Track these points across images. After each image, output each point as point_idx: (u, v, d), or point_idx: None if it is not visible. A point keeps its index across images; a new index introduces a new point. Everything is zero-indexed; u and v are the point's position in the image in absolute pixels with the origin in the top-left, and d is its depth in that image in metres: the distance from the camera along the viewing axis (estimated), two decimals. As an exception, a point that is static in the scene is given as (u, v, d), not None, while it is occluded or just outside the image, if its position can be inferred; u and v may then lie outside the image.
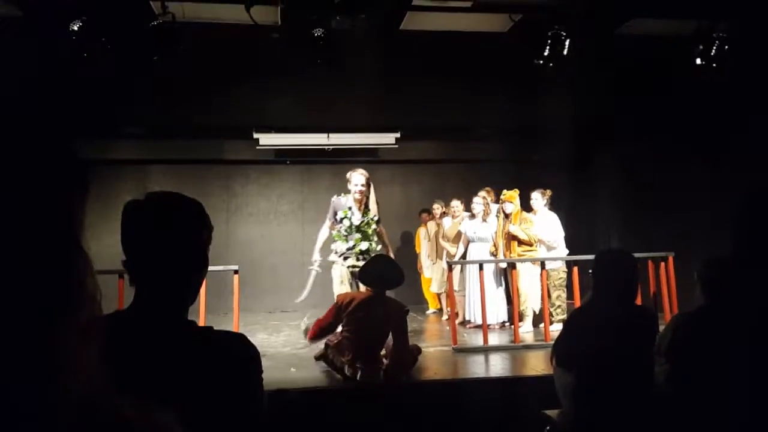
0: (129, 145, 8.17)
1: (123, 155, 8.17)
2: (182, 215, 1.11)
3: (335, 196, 5.26)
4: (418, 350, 4.42)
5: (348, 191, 5.15)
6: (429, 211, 7.80)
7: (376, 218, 5.17)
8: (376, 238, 5.17)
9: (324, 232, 5.27)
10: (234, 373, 1.04)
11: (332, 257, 5.15)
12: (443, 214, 7.35)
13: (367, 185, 5.12)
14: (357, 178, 5.08)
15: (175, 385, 0.97)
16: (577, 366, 2.52)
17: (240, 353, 1.07)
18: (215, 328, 1.10)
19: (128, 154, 8.21)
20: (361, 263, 4.98)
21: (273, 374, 4.12)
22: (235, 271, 5.17)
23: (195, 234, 1.12)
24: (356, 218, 5.07)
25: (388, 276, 3.97)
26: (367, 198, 5.16)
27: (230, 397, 1.01)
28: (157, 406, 0.56)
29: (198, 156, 8.35)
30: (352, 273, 5.04)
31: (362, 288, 4.29)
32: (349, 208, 5.09)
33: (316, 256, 5.24)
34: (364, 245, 5.07)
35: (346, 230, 5.07)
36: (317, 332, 4.27)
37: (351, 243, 5.05)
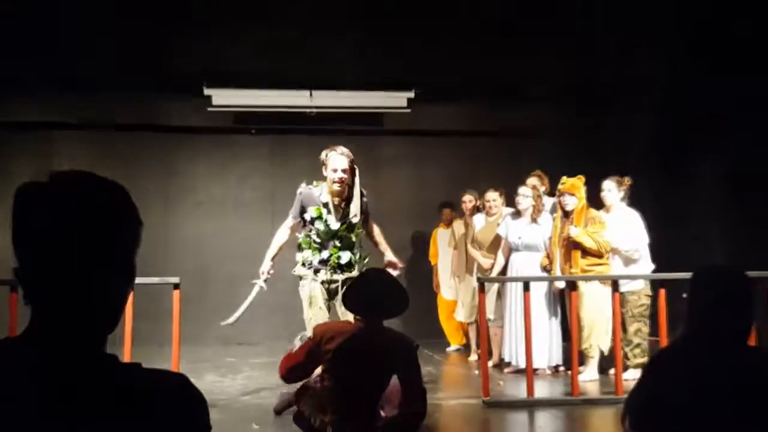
0: (28, 103, 8.18)
1: (19, 116, 8.19)
2: (99, 205, 1.10)
3: (304, 185, 5.27)
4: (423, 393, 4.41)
5: (323, 178, 5.16)
6: (453, 206, 7.78)
7: (355, 219, 5.15)
8: (357, 254, 5.16)
9: (283, 234, 5.29)
10: (169, 429, 1.04)
11: (299, 270, 5.16)
12: (475, 210, 7.33)
13: (351, 171, 5.11)
14: (336, 159, 5.04)
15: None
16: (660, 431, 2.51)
17: (179, 402, 1.07)
18: (145, 366, 1.10)
19: (26, 114, 8.23)
20: (340, 277, 5.02)
21: (227, 433, 4.15)
22: (176, 285, 5.19)
23: (117, 231, 1.12)
24: (333, 219, 5.07)
25: (387, 300, 3.86)
26: (350, 188, 5.15)
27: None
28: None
29: (124, 120, 8.37)
30: (329, 291, 5.08)
31: (348, 316, 4.27)
32: (324, 205, 5.10)
33: (266, 266, 5.26)
34: (344, 257, 5.07)
35: (319, 236, 5.08)
36: (286, 371, 4.28)
37: (325, 254, 5.06)
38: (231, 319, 5.38)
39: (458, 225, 7.62)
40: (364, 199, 5.27)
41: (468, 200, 7.44)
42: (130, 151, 8.44)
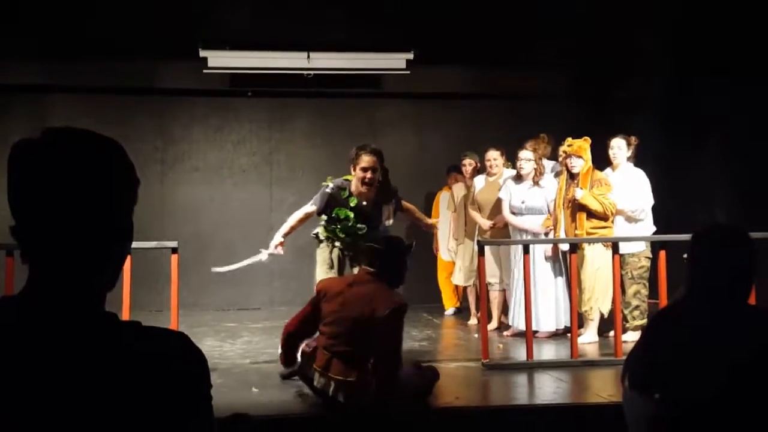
0: (21, 65, 8.13)
1: (12, 79, 8.14)
2: (95, 160, 1.10)
3: (330, 183, 5.18)
4: (434, 374, 4.48)
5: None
6: (460, 170, 7.77)
7: (389, 222, 5.23)
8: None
9: (299, 216, 5.27)
10: (170, 387, 1.04)
11: (318, 231, 5.24)
12: (475, 173, 7.32)
13: (382, 169, 5.09)
14: (366, 159, 4.97)
15: (84, 406, 0.99)
16: (659, 390, 2.54)
17: (179, 358, 1.08)
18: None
19: (20, 77, 8.18)
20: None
21: (227, 396, 4.19)
22: (174, 250, 5.22)
23: (113, 187, 1.12)
24: (359, 225, 5.02)
25: (400, 264, 4.19)
26: (379, 185, 5.09)
27: (164, 420, 1.02)
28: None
29: (119, 83, 8.32)
30: (344, 256, 5.11)
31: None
32: (352, 209, 5.02)
33: (277, 241, 5.26)
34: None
35: (341, 238, 5.10)
36: (288, 337, 4.41)
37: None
38: (223, 269, 5.44)
39: (458, 188, 7.63)
40: (395, 198, 5.29)
41: (468, 163, 7.43)
42: (124, 115, 8.41)
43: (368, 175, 4.97)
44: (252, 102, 8.88)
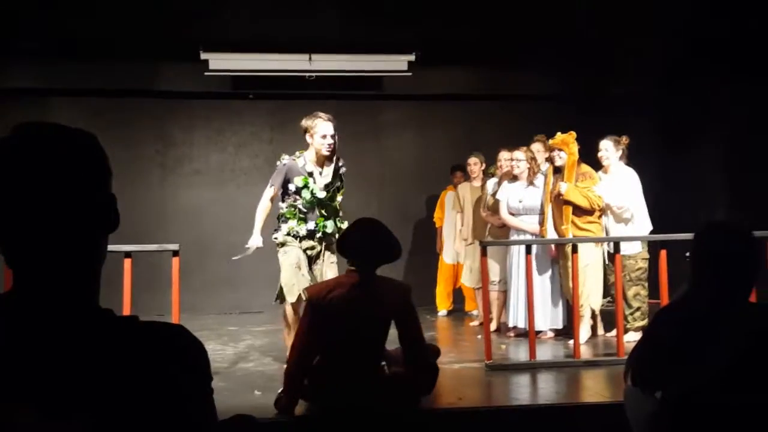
0: (21, 68, 8.16)
1: (12, 82, 8.17)
2: (68, 152, 1.10)
3: (285, 157, 5.29)
4: (436, 351, 4.50)
5: (305, 147, 5.22)
6: (464, 169, 7.78)
7: (343, 168, 5.32)
8: (341, 214, 5.29)
9: (265, 205, 5.31)
10: (171, 378, 1.05)
11: (280, 236, 5.19)
12: (487, 174, 7.32)
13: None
14: (325, 126, 5.10)
15: (85, 401, 1.00)
16: (662, 388, 2.56)
17: (179, 349, 1.09)
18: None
19: (20, 80, 8.22)
20: (314, 245, 5.12)
21: (228, 400, 4.21)
22: (175, 253, 5.22)
23: (89, 178, 1.11)
24: (319, 188, 5.12)
25: (381, 243, 3.98)
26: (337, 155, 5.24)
27: (166, 411, 1.03)
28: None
29: (119, 85, 8.35)
30: (309, 258, 5.14)
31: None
32: (310, 174, 5.14)
33: (255, 241, 5.28)
34: (329, 226, 5.17)
35: (305, 205, 5.13)
36: (295, 366, 3.96)
37: (311, 224, 5.15)
38: (239, 256, 5.47)
39: (463, 188, 7.63)
40: (341, 165, 5.32)
41: (473, 162, 7.47)
42: (125, 118, 8.43)
43: (328, 140, 5.08)
44: (253, 104, 8.90)
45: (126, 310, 4.90)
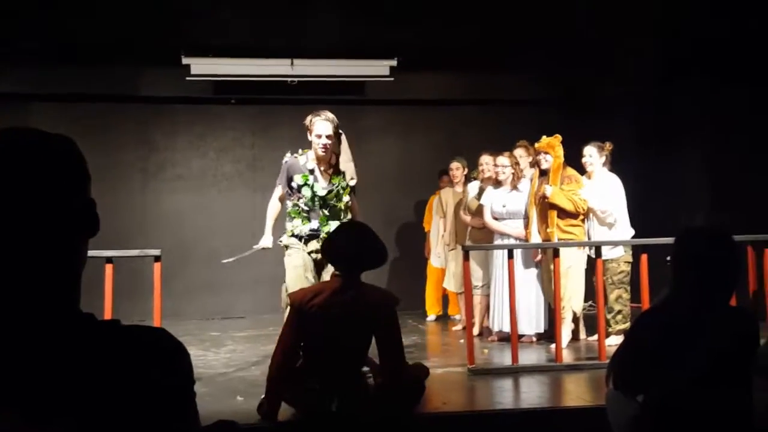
0: (2, 74, 8.09)
1: (-9, 88, 8.10)
2: (44, 158, 1.08)
3: (288, 155, 5.27)
4: (425, 372, 4.48)
5: (308, 145, 5.17)
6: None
7: (353, 182, 5.21)
8: (349, 215, 5.20)
9: (275, 204, 5.28)
10: (153, 381, 1.05)
11: (285, 239, 5.14)
12: (469, 179, 7.34)
13: (336, 136, 5.14)
14: (321, 125, 5.05)
15: (67, 407, 0.99)
16: (643, 391, 2.57)
17: (161, 352, 1.09)
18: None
19: (1, 86, 8.14)
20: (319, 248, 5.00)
21: (210, 406, 4.17)
22: (156, 258, 5.19)
23: (69, 183, 1.10)
24: (321, 186, 5.09)
25: (367, 248, 3.93)
26: (336, 155, 5.18)
27: (149, 415, 1.03)
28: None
29: (100, 90, 8.30)
30: (315, 262, 5.05)
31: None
32: (311, 171, 5.11)
33: (265, 241, 5.24)
34: (333, 226, 5.07)
35: (306, 204, 5.09)
36: (277, 371, 3.93)
37: (315, 224, 5.08)
38: (230, 259, 5.42)
39: (446, 192, 7.66)
40: (352, 178, 5.26)
41: (455, 168, 7.48)
42: (106, 123, 8.39)
43: (322, 140, 5.02)
44: (235, 109, 8.88)
45: (107, 316, 4.85)
